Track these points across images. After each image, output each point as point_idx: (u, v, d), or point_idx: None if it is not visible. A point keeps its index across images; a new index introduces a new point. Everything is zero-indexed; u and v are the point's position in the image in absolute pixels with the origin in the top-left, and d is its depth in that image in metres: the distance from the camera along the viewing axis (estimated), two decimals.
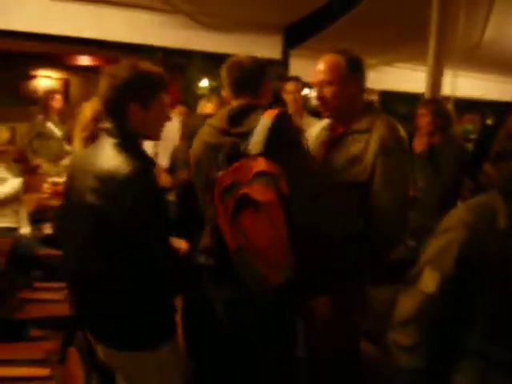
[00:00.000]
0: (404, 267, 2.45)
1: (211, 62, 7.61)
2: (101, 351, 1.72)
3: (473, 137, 8.56)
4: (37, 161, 4.90)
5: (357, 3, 4.58)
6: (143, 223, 1.54)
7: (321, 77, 1.99)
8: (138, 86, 1.60)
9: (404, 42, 5.26)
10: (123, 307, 1.61)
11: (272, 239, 1.67)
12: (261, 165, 1.70)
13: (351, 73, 1.98)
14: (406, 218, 2.02)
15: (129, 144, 1.61)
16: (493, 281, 1.18)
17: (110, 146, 1.59)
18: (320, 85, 2.01)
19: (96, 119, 2.28)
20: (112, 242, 1.55)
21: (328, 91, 1.98)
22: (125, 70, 1.60)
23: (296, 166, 1.78)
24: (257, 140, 1.76)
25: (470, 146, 7.29)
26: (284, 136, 1.79)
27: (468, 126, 8.93)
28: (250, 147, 1.77)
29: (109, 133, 1.63)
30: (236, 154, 1.80)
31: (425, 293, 1.25)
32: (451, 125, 3.59)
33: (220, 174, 1.75)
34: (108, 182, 1.52)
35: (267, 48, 5.53)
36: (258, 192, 1.66)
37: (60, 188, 2.39)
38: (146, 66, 1.65)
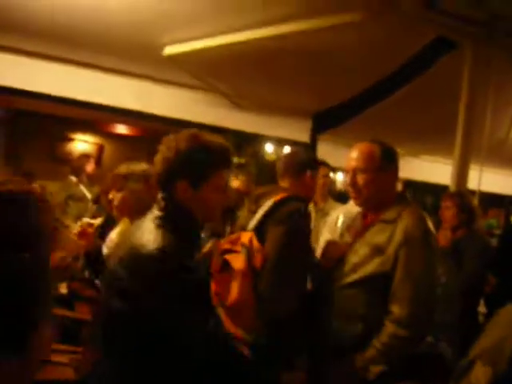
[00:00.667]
0: (421, 363, 2.36)
1: (241, 140, 7.87)
2: None
3: (497, 232, 8.44)
4: (67, 221, 4.99)
5: (384, 96, 4.75)
6: (167, 310, 1.35)
7: (354, 164, 2.00)
8: (190, 163, 1.49)
9: (431, 134, 5.38)
10: None
11: (238, 301, 1.88)
12: (246, 239, 2.00)
13: (386, 163, 1.98)
14: (431, 314, 1.92)
15: (172, 219, 1.48)
16: None
17: (152, 218, 1.50)
18: (353, 172, 2.01)
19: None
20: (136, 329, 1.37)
21: (361, 179, 1.98)
22: (182, 143, 1.49)
23: (276, 244, 1.99)
24: (256, 218, 2.07)
25: (494, 242, 7.17)
26: (276, 217, 2.03)
27: (492, 220, 8.81)
28: (250, 223, 2.08)
29: (156, 204, 1.55)
30: (241, 226, 2.15)
31: None
32: (475, 219, 3.55)
33: (221, 241, 2.11)
34: (134, 255, 1.42)
35: (296, 131, 5.71)
36: (235, 260, 1.94)
37: (91, 230, 2.37)
38: (210, 138, 1.53)
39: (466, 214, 3.45)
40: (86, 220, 2.47)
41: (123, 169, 2.26)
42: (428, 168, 6.31)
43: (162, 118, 5.35)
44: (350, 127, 5.20)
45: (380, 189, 1.99)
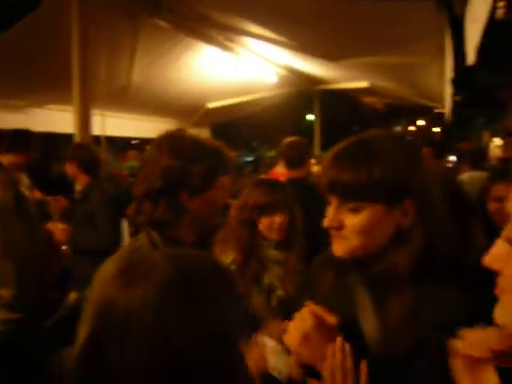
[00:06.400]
0: None
1: None
2: None
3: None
4: None
5: None
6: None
7: None
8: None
9: (51, 82, 5.14)
10: None
11: None
12: None
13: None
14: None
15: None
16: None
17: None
18: None
19: None
20: None
21: None
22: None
23: None
24: None
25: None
26: None
27: (133, 162, 9.45)
28: None
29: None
30: None
31: None
32: (99, 167, 3.61)
33: None
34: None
35: None
36: None
37: None
38: None
39: (86, 163, 3.47)
40: None
41: None
42: (53, 117, 6.06)
43: None
44: None
45: None
